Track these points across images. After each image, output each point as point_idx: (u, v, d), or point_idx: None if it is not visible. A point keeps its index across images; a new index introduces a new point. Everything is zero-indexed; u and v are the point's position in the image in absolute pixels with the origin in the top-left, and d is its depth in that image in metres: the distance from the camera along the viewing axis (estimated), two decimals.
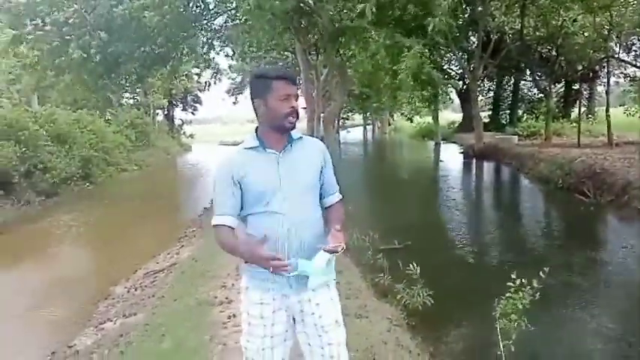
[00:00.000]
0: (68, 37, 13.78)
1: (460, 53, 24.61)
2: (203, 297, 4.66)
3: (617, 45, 20.80)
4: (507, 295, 3.50)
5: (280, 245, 2.00)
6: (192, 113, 42.17)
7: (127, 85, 21.63)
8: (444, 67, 28.41)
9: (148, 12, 12.17)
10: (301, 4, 14.30)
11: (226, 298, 4.55)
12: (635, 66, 22.14)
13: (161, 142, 30.43)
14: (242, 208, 2.06)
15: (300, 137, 2.11)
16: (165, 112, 38.97)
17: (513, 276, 3.49)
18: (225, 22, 16.56)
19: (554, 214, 11.89)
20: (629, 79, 25.25)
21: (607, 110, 18.65)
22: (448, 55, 26.81)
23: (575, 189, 11.60)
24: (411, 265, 4.95)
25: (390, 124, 50.14)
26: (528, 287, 3.46)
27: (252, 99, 2.06)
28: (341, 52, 15.97)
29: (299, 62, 18.06)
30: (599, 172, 11.59)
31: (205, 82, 19.96)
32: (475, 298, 5.63)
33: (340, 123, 41.75)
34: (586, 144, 17.89)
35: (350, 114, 45.04)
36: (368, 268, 6.35)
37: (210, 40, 17.17)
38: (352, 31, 14.84)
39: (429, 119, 35.60)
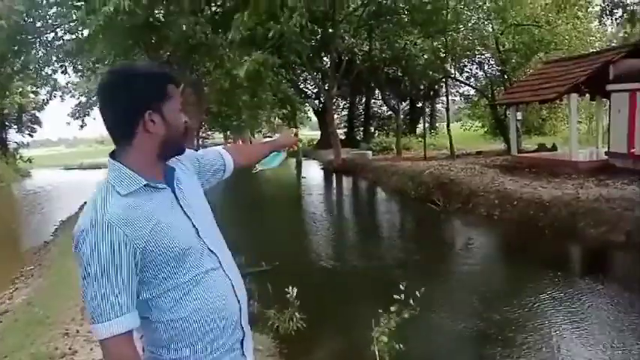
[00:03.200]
0: None
1: (315, 73, 25.43)
2: (41, 350, 3.93)
3: (453, 67, 23.07)
4: (379, 322, 3.42)
5: (234, 312, 1.47)
6: (30, 135, 37.87)
7: None
8: (301, 87, 29.16)
9: None
10: (150, 19, 13.53)
11: (70, 349, 3.88)
12: (468, 85, 24.73)
13: None
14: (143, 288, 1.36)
15: (176, 162, 1.53)
16: None
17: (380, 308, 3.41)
18: (63, 35, 15.04)
19: (409, 222, 12.56)
20: (463, 97, 28.24)
21: (448, 125, 20.51)
22: (304, 74, 27.55)
23: (426, 198, 12.39)
24: (286, 289, 4.70)
25: (251, 143, 50.03)
26: (393, 311, 3.42)
27: (128, 110, 1.34)
28: (195, 68, 15.41)
29: None
30: (446, 182, 12.54)
31: (42, 100, 17.71)
32: (347, 316, 5.58)
33: (200, 142, 40.56)
34: (432, 156, 19.41)
35: (210, 132, 44.07)
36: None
37: (46, 55, 15.46)
38: (206, 48, 14.42)
39: None
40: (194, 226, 1.42)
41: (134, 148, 1.36)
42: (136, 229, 1.28)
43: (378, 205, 15.54)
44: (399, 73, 24.69)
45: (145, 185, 1.34)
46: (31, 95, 30.50)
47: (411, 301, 3.38)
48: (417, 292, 3.40)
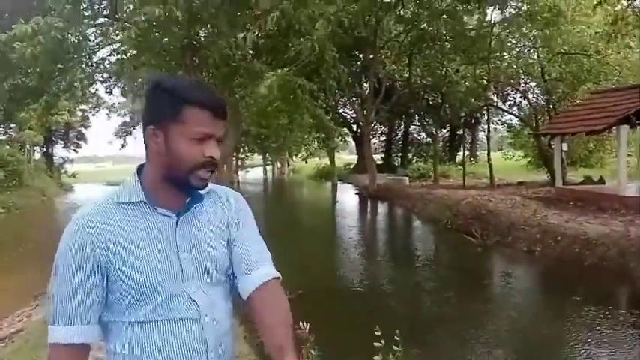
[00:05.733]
0: None
1: (354, 98, 25.35)
2: None
3: (495, 94, 22.50)
4: None
5: None
6: (75, 151, 39.22)
7: None
8: (340, 111, 29.13)
9: (19, 44, 10.83)
10: (192, 41, 13.73)
11: None
12: (510, 113, 24.07)
13: (37, 182, 27.62)
14: (105, 308, 1.22)
15: (209, 191, 1.32)
16: (44, 150, 35.79)
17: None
18: (108, 55, 15.47)
19: (444, 254, 11.99)
20: (505, 125, 27.49)
21: (488, 154, 19.91)
22: (344, 99, 27.54)
23: (463, 230, 11.87)
24: (301, 322, 4.43)
25: (289, 165, 50.27)
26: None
27: (145, 122, 1.24)
28: (235, 91, 15.51)
29: None
30: (485, 214, 12.01)
31: (84, 117, 18.26)
32: (367, 350, 5.21)
33: (239, 163, 41.10)
34: (471, 185, 18.83)
35: (249, 154, 44.64)
36: (253, 325, 5.71)
37: (91, 74, 15.91)
38: (246, 72, 14.52)
39: (327, 161, 36.11)
40: (181, 266, 1.22)
41: (148, 161, 1.26)
42: (108, 241, 1.17)
43: (412, 234, 15.06)
44: (439, 100, 24.26)
45: (142, 202, 1.21)
46: (78, 113, 31.68)
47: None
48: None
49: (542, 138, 19.14)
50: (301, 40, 11.56)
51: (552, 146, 16.98)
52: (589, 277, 8.03)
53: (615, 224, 9.61)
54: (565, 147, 16.44)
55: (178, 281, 1.21)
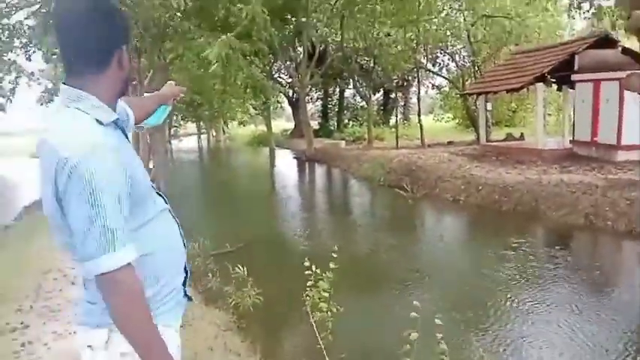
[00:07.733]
0: None
1: (289, 62, 25.33)
2: None
3: (425, 57, 23.22)
4: (309, 284, 3.46)
5: (184, 251, 1.53)
6: None
7: None
8: (275, 76, 29.03)
9: None
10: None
11: (21, 323, 3.81)
12: (439, 75, 24.96)
13: None
14: None
15: None
16: None
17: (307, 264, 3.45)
18: (26, 18, 14.55)
19: (376, 206, 12.60)
20: (436, 88, 28.49)
21: (419, 115, 20.70)
22: (278, 64, 27.45)
23: (395, 185, 12.49)
24: (238, 268, 4.74)
25: (224, 133, 49.60)
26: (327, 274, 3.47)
27: (111, 39, 1.31)
28: (164, 54, 15.12)
29: None
30: (415, 170, 12.67)
31: (9, 90, 16.85)
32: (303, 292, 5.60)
33: (172, 132, 40.06)
34: (403, 146, 19.54)
35: (182, 122, 43.51)
36: (197, 275, 5.95)
37: (8, 39, 14.94)
38: (176, 33, 14.20)
39: (263, 128, 36.00)
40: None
41: (106, 80, 1.31)
42: (125, 160, 1.26)
43: (347, 191, 15.59)
44: (372, 64, 24.71)
45: (117, 119, 1.32)
46: None
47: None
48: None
49: (469, 99, 20.11)
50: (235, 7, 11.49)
51: (478, 106, 17.92)
52: (505, 220, 8.82)
53: (531, 173, 10.49)
54: (489, 106, 17.38)
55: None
